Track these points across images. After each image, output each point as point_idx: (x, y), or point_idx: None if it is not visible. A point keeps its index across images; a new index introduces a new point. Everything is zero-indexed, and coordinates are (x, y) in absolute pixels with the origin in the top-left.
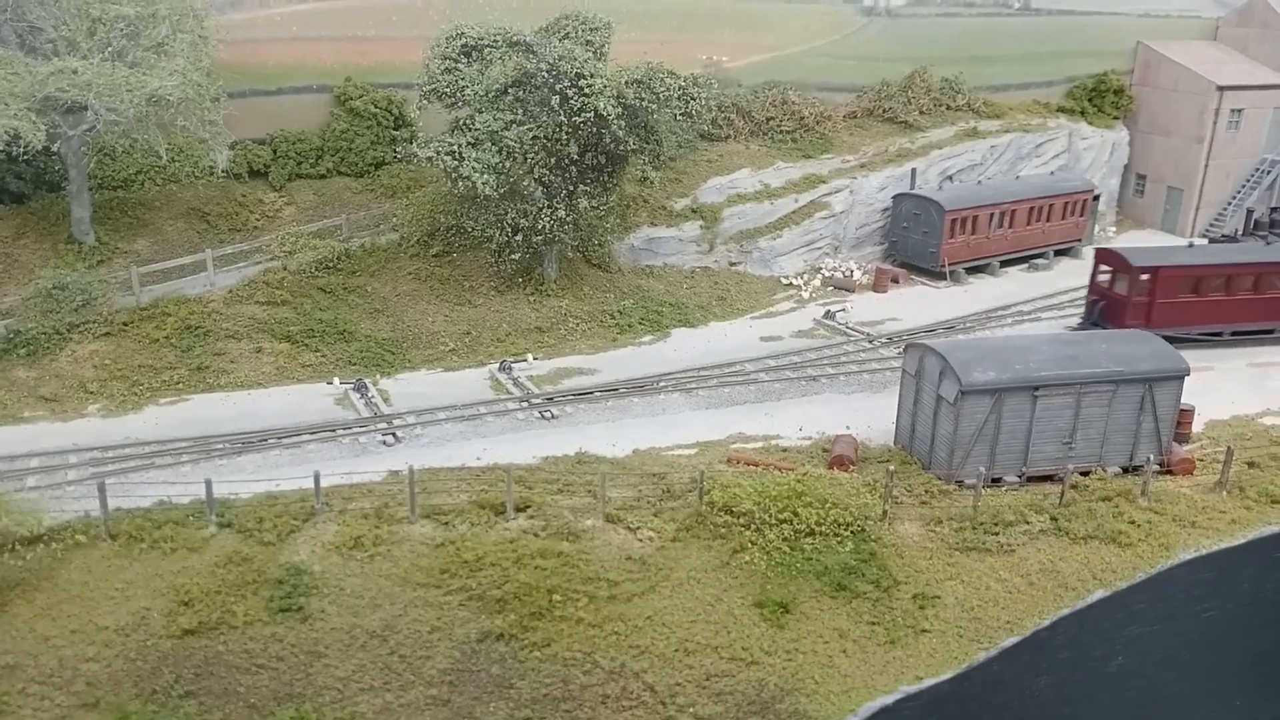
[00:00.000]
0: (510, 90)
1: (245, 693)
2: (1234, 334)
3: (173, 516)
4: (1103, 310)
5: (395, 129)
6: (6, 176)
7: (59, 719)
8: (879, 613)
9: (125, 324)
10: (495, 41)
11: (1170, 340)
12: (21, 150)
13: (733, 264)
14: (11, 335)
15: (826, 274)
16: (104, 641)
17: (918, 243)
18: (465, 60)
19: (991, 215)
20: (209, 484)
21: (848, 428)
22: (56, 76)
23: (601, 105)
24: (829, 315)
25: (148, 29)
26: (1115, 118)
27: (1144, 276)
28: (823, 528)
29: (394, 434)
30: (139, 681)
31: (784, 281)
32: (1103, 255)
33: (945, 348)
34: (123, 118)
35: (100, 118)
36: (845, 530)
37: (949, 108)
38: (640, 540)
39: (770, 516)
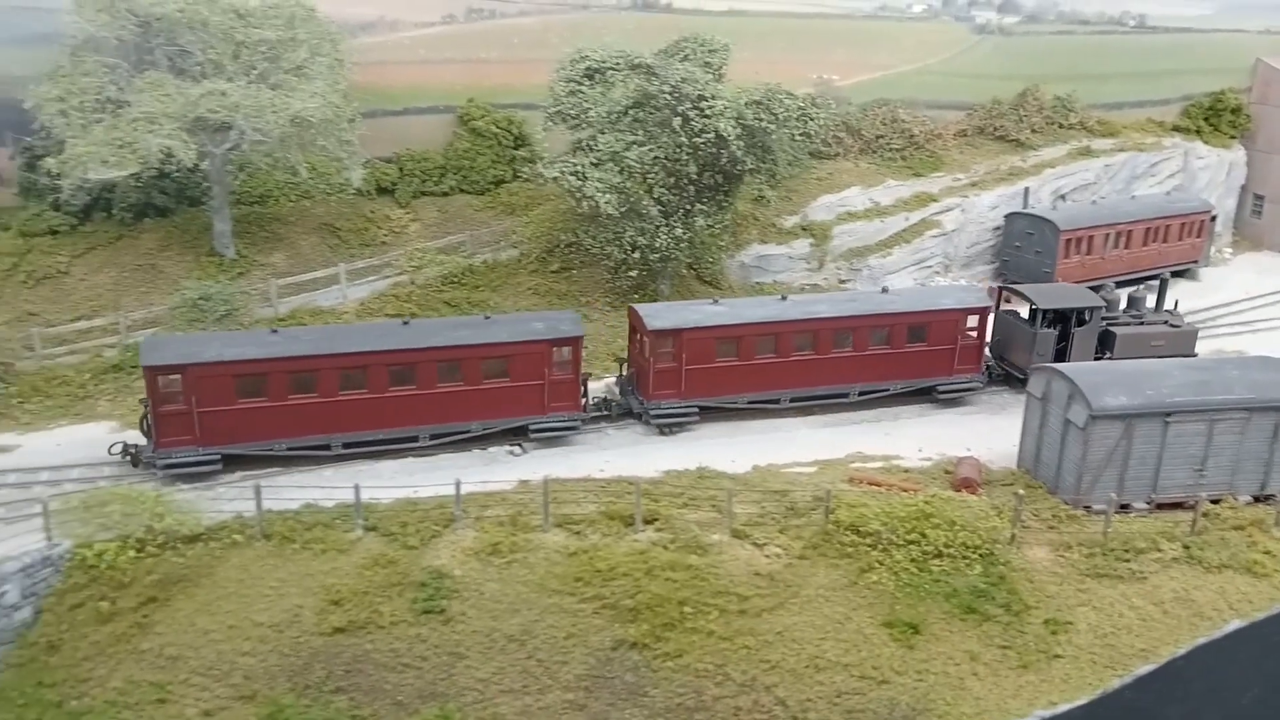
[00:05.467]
0: (630, 111)
1: (392, 690)
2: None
3: (321, 519)
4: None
5: (515, 148)
6: (153, 192)
7: (218, 710)
8: (1010, 636)
9: None
10: (617, 64)
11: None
12: (174, 167)
13: (842, 281)
14: None
15: None
16: (259, 637)
17: (1031, 262)
18: (588, 82)
19: (1107, 235)
20: (357, 489)
21: (969, 450)
22: (207, 98)
23: (722, 126)
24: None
25: (287, 52)
26: (1232, 137)
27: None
28: (951, 550)
29: (520, 445)
30: (292, 676)
31: None
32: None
33: (1074, 371)
34: (268, 138)
35: (246, 137)
36: (973, 553)
37: (1061, 126)
38: (767, 557)
39: (897, 537)
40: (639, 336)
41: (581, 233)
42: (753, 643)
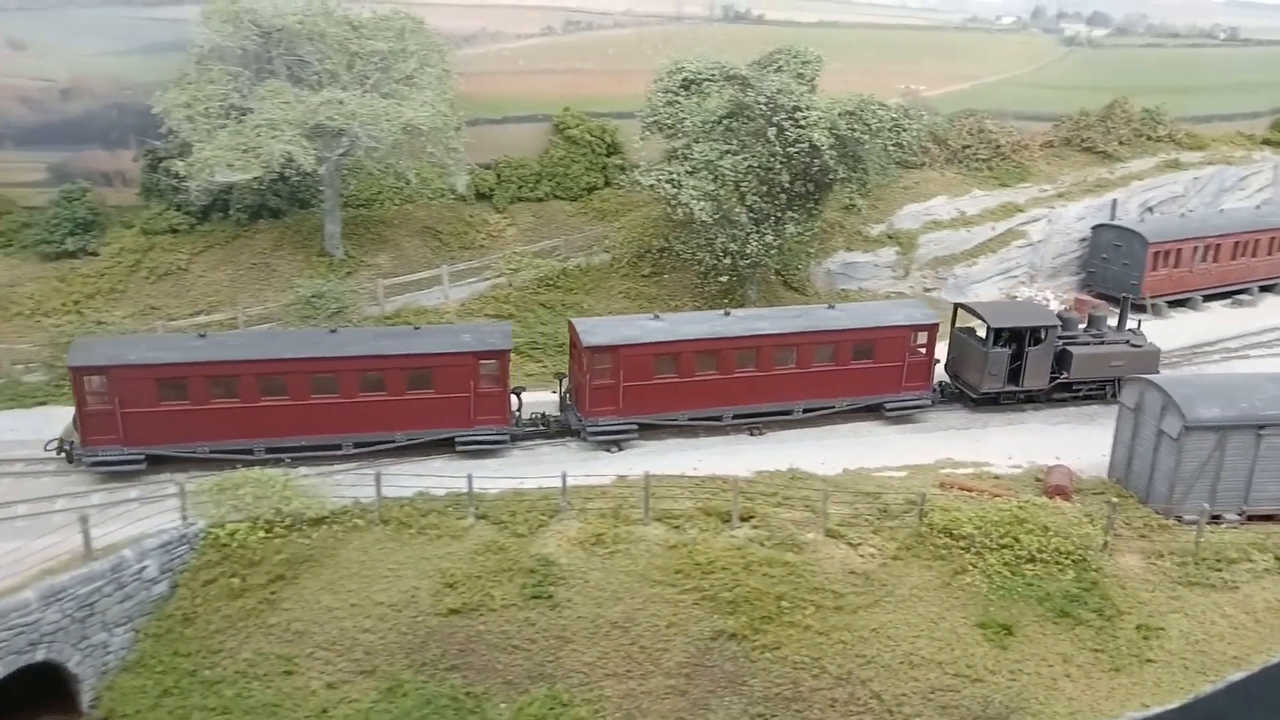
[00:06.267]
0: (724, 121)
1: (503, 670)
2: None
3: (434, 506)
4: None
5: (608, 156)
6: (268, 194)
7: (340, 682)
8: (1102, 640)
9: None
10: (712, 75)
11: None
12: (293, 172)
13: (927, 290)
14: None
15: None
16: (379, 615)
17: (1117, 274)
18: (684, 93)
19: (1196, 248)
20: (470, 479)
21: (1058, 458)
22: (326, 106)
23: (816, 136)
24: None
25: (398, 63)
26: None
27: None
28: (1044, 555)
29: (617, 442)
30: (410, 654)
31: None
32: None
33: (1168, 383)
34: (381, 144)
35: (360, 144)
36: (1066, 559)
37: (1149, 138)
38: (862, 556)
39: (991, 541)
40: (577, 352)
41: (673, 238)
42: (848, 638)
